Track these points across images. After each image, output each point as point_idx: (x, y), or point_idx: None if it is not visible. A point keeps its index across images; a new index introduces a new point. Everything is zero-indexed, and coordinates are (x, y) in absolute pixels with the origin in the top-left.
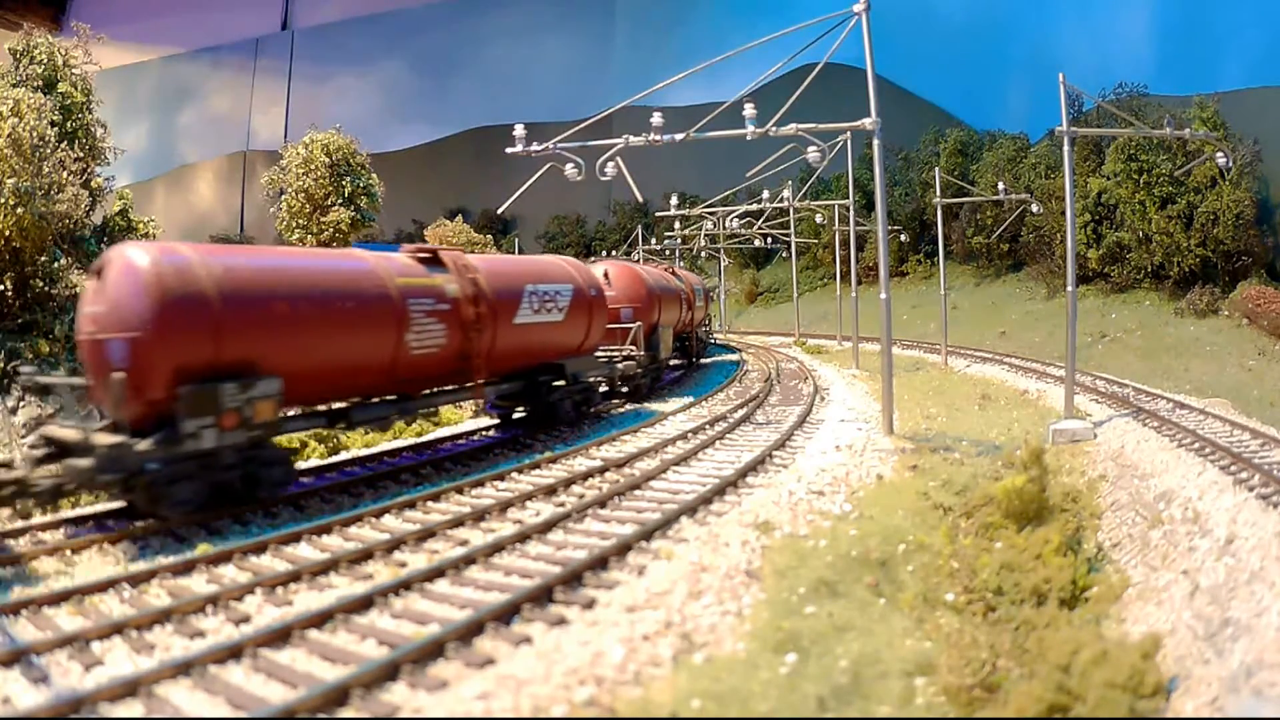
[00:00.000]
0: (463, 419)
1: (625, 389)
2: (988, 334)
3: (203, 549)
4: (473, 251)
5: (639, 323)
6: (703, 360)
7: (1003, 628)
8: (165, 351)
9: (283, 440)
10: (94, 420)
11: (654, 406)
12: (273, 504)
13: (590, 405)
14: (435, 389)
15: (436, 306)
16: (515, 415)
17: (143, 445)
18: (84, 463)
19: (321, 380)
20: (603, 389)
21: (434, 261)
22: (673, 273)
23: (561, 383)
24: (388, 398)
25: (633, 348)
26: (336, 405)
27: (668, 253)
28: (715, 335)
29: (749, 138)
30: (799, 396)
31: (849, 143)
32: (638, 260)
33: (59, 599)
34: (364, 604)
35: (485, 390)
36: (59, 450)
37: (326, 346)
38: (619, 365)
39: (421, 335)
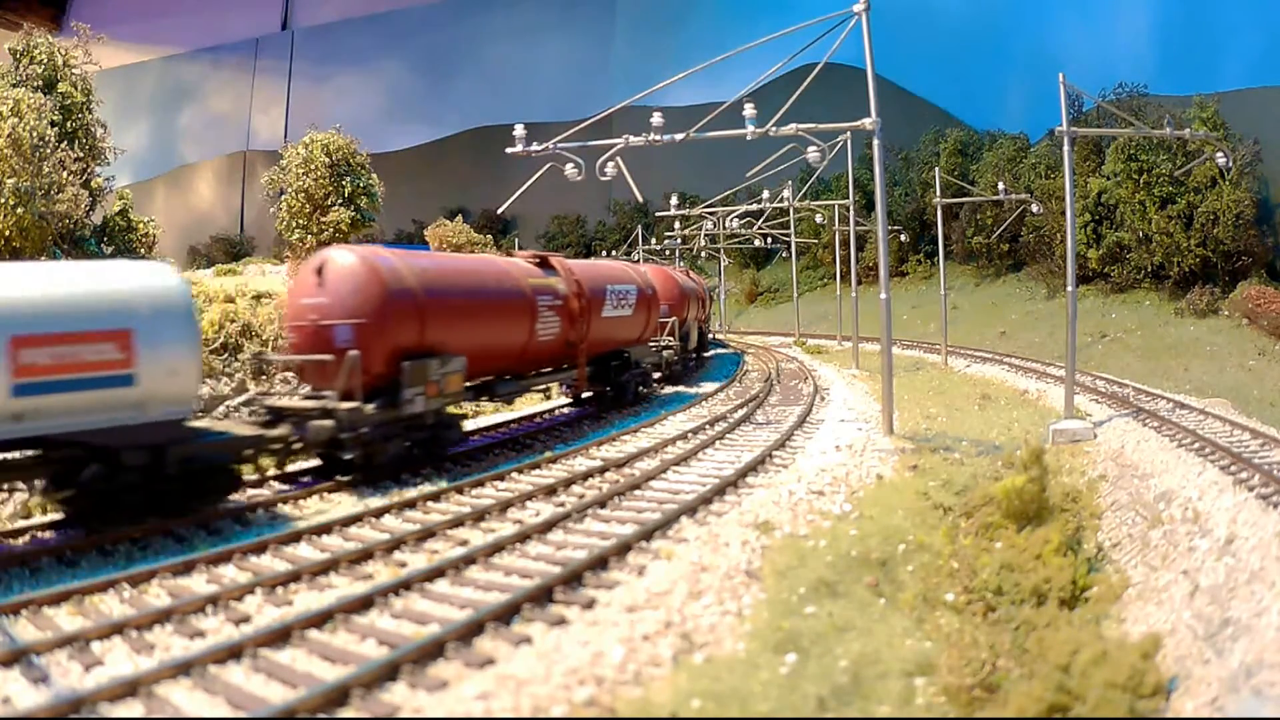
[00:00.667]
0: (466, 417)
1: (658, 374)
2: (988, 334)
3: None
4: (473, 252)
5: (674, 318)
6: (704, 355)
7: (1003, 628)
8: (388, 334)
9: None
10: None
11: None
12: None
13: (647, 386)
14: (544, 370)
15: (554, 302)
16: (584, 395)
17: (369, 409)
18: (327, 424)
19: (482, 360)
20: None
21: (546, 265)
22: (688, 274)
23: (623, 368)
24: (508, 376)
25: (670, 338)
26: (479, 381)
27: (667, 253)
28: (715, 334)
29: (749, 138)
30: (799, 396)
31: (849, 143)
32: (638, 260)
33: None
34: (364, 604)
35: (585, 372)
36: (277, 417)
37: (488, 332)
38: (664, 353)
39: (545, 325)
